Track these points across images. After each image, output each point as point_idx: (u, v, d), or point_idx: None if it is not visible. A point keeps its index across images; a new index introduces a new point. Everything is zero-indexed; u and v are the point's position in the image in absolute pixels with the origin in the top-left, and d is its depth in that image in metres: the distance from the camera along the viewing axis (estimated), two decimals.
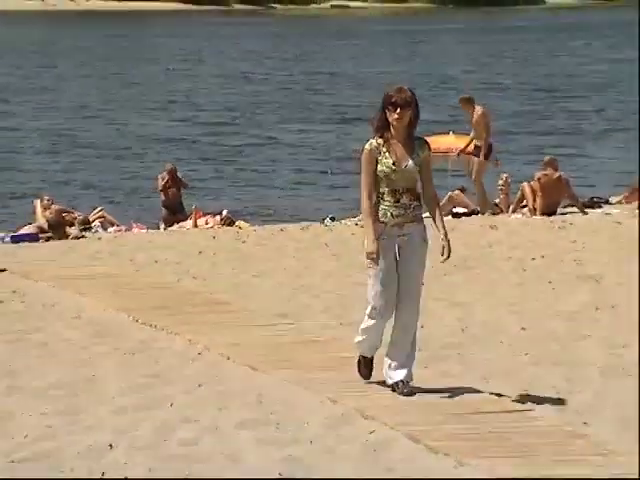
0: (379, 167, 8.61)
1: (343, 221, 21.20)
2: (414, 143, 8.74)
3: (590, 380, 9.83)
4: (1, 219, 20.91)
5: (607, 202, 22.84)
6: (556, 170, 21.48)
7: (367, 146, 8.73)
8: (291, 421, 8.59)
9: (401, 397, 9.13)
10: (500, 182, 21.90)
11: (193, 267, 15.33)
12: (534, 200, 21.06)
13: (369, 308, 9.01)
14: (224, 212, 21.82)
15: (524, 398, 9.11)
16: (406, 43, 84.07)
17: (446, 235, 8.77)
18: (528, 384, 9.42)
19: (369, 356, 9.25)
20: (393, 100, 8.57)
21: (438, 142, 29.32)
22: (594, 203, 22.29)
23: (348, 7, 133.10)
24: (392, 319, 9.01)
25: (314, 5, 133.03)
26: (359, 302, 13.07)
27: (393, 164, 8.59)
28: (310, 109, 47.19)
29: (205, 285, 14.15)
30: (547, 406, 8.85)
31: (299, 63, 69.08)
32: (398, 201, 8.62)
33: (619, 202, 22.78)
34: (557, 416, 8.69)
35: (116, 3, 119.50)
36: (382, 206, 8.67)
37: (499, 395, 9.14)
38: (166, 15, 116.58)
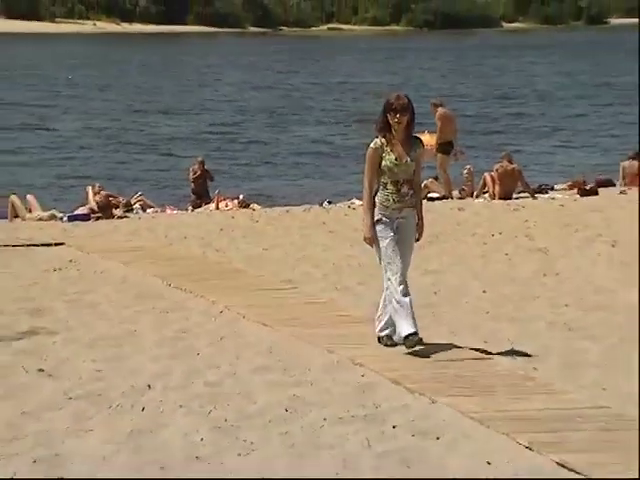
0: (383, 162, 8.63)
1: (338, 204, 21.22)
2: (411, 142, 8.75)
3: (538, 333, 9.87)
4: (60, 202, 20.84)
5: (552, 189, 22.86)
6: (511, 163, 21.53)
7: (372, 145, 8.75)
8: (295, 367, 8.66)
9: (386, 348, 9.17)
10: (465, 172, 21.92)
11: (215, 242, 15.34)
12: (493, 187, 21.13)
13: (388, 271, 8.81)
14: (241, 197, 21.82)
15: (485, 348, 9.15)
16: (388, 59, 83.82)
17: (421, 220, 8.89)
18: (488, 337, 9.47)
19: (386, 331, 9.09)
20: (393, 106, 8.60)
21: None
22: (542, 190, 22.32)
23: (342, 29, 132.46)
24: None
25: (314, 28, 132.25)
26: (352, 270, 13.17)
27: (395, 159, 8.61)
28: (309, 112, 47.10)
29: (225, 256, 14.17)
30: (503, 354, 8.94)
31: (301, 74, 68.93)
32: (399, 190, 8.66)
33: (562, 189, 22.81)
34: (511, 362, 8.78)
35: (154, 27, 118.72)
36: (385, 193, 8.70)
37: (465, 346, 9.18)
38: (194, 36, 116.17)
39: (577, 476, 6.44)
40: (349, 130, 39.82)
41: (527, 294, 11.42)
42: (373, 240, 8.79)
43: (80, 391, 8.01)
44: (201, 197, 22.39)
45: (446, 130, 20.93)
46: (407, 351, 8.79)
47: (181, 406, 7.65)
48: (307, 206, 20.84)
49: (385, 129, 8.71)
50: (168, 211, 20.99)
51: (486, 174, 21.59)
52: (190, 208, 21.68)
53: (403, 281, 8.75)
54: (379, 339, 9.09)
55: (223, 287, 11.81)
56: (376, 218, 8.77)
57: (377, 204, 8.76)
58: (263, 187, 25.77)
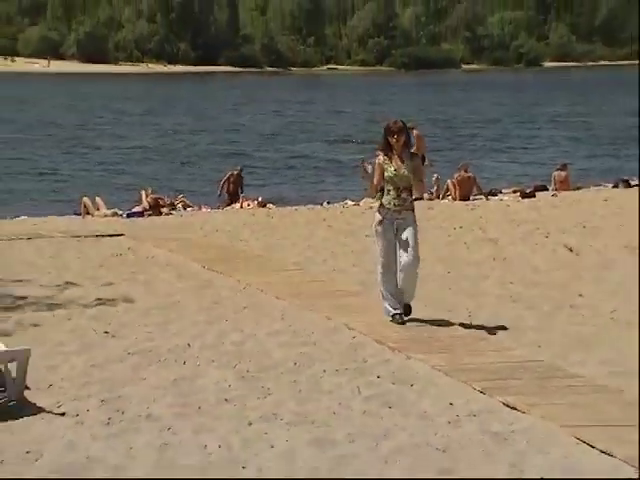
0: (386, 173, 8.54)
1: (334, 205, 21.18)
2: (408, 156, 8.68)
3: (490, 305, 9.85)
4: (120, 203, 20.84)
5: (500, 192, 22.83)
6: (467, 172, 21.54)
7: (377, 160, 8.66)
8: (302, 331, 8.66)
9: (372, 315, 9.13)
10: (433, 179, 21.88)
11: (240, 234, 15.31)
12: (454, 191, 21.14)
13: (379, 267, 8.81)
14: (260, 199, 21.80)
15: (449, 317, 9.14)
16: (374, 92, 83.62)
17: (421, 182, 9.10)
18: (452, 308, 9.45)
19: (393, 309, 8.77)
20: (391, 129, 8.55)
21: None
22: (492, 193, 22.29)
23: (337, 69, 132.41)
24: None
25: (316, 68, 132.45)
26: (345, 255, 13.16)
27: (394, 171, 8.53)
28: (313, 133, 47.11)
29: (248, 245, 14.16)
30: (463, 320, 8.91)
31: (307, 104, 68.85)
32: (399, 195, 8.55)
33: (508, 193, 22.81)
34: (469, 327, 8.74)
35: (192, 67, 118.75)
36: (388, 198, 8.60)
37: (434, 315, 9.17)
38: (223, 74, 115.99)
39: (517, 413, 6.49)
40: (346, 146, 39.81)
41: (481, 274, 11.39)
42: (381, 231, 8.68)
43: (136, 348, 8.04)
44: (232, 198, 22.32)
45: (420, 147, 20.81)
46: (390, 319, 8.77)
47: (213, 361, 7.68)
48: (311, 206, 20.80)
49: (386, 148, 8.65)
50: (203, 210, 20.95)
51: (449, 181, 21.56)
52: (222, 206, 21.65)
53: (388, 274, 8.67)
54: (391, 318, 8.79)
55: (246, 269, 11.79)
56: (379, 219, 8.68)
57: (382, 205, 8.67)
58: (277, 192, 25.76)
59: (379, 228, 8.68)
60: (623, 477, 5.36)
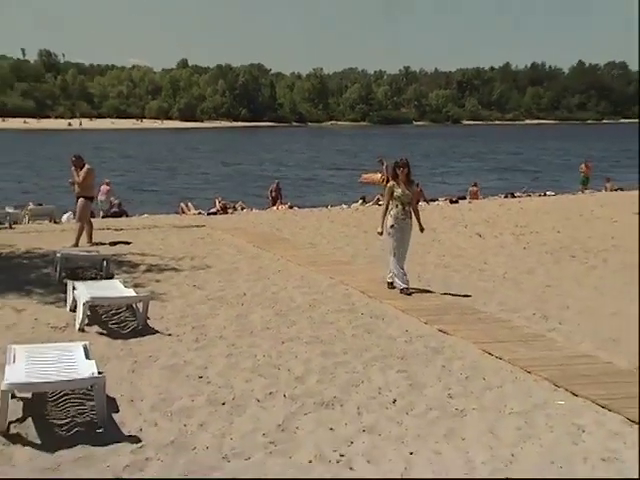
0: (395, 194, 7.99)
1: (335, 207, 20.96)
2: (410, 183, 8.17)
3: (430, 269, 9.72)
4: (203, 206, 20.73)
5: (437, 200, 22.45)
6: (418, 187, 21.20)
7: (389, 185, 8.18)
8: (314, 286, 8.58)
9: (361, 275, 8.97)
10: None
11: (276, 225, 15.17)
12: None
13: (392, 255, 8.11)
14: (288, 203, 21.64)
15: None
16: (359, 138, 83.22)
17: (419, 220, 8.17)
18: (406, 271, 9.20)
19: (403, 285, 8.07)
20: (399, 164, 8.10)
21: (373, 177, 28.97)
22: (432, 200, 22.01)
23: (337, 124, 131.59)
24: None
25: (324, 122, 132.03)
26: (342, 239, 13.00)
27: (401, 192, 8.02)
28: (321, 163, 46.89)
29: (280, 232, 14.02)
30: (414, 279, 8.55)
31: (317, 146, 68.51)
32: (404, 209, 8.01)
33: (442, 200, 22.46)
34: (418, 284, 8.52)
35: (247, 123, 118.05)
36: (397, 210, 8.00)
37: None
38: (265, 128, 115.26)
39: (447, 335, 6.44)
40: (339, 172, 39.57)
41: (425, 250, 11.24)
42: (382, 233, 8.14)
43: (213, 296, 7.98)
44: (274, 202, 22.05)
45: (388, 173, 20.69)
46: (399, 292, 8.04)
47: (260, 304, 7.61)
48: (319, 208, 20.63)
49: (395, 176, 8.10)
50: (254, 210, 20.80)
51: None
52: (266, 208, 21.48)
53: (399, 260, 8.10)
54: (400, 290, 8.06)
55: (279, 246, 11.68)
56: (391, 224, 8.03)
57: (392, 216, 8.02)
58: (299, 199, 25.44)
59: (391, 230, 8.05)
60: (507, 371, 5.38)
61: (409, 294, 7.94)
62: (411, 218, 8.13)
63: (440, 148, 63.78)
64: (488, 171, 41.28)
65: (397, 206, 8.05)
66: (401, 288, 8.03)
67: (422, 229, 8.13)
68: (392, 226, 8.06)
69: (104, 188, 19.13)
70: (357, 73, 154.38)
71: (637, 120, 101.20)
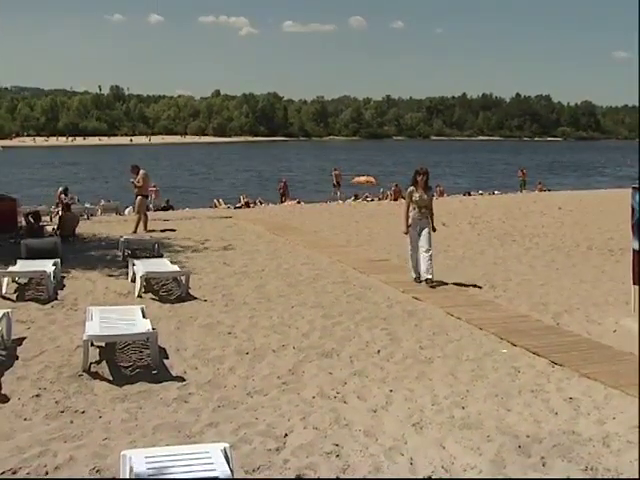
0: (414, 198, 7.07)
1: (333, 203, 20.70)
2: (427, 188, 7.22)
3: (408, 250, 9.68)
4: (230, 202, 20.53)
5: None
6: (397, 187, 20.98)
7: (409, 190, 7.17)
8: (317, 263, 8.48)
9: (355, 256, 8.74)
10: (393, 187, 21.34)
11: (287, 216, 15.03)
12: (391, 196, 20.51)
13: (409, 249, 7.26)
14: (296, 199, 21.47)
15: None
16: (351, 150, 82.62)
17: (433, 222, 7.29)
18: (389, 251, 9.01)
19: (415, 275, 7.25)
20: (419, 172, 7.25)
21: (360, 179, 28.78)
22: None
23: (334, 139, 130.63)
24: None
25: (324, 137, 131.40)
26: (341, 226, 12.60)
27: (419, 196, 7.06)
28: (323, 169, 46.39)
29: (291, 221, 13.86)
30: (395, 258, 8.42)
31: (319, 156, 67.94)
32: (421, 211, 7.21)
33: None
34: (397, 261, 8.35)
35: (264, 138, 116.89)
36: (416, 212, 7.08)
37: (380, 256, 8.83)
38: (278, 142, 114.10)
39: (419, 302, 6.37)
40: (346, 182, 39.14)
41: (404, 236, 11.11)
42: (406, 232, 7.20)
43: (238, 270, 7.91)
44: (283, 198, 21.77)
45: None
46: (413, 281, 7.21)
47: (275, 277, 7.55)
48: (321, 204, 20.40)
49: (415, 182, 7.12)
50: (270, 205, 20.62)
51: (388, 191, 21.18)
52: (278, 203, 21.33)
53: (413, 254, 7.25)
54: (424, 281, 7.14)
55: (290, 232, 11.56)
56: (410, 223, 7.15)
57: (412, 216, 7.12)
58: (304, 196, 25.17)
59: (410, 229, 7.19)
60: (465, 328, 5.37)
61: (421, 283, 7.07)
62: (427, 218, 7.24)
63: (415, 157, 63.16)
64: (451, 175, 41.01)
65: (414, 208, 7.18)
66: (414, 278, 7.19)
67: (434, 229, 7.32)
68: (411, 225, 7.24)
69: (152, 190, 19.15)
70: (350, 99, 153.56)
71: (558, 139, 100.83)
